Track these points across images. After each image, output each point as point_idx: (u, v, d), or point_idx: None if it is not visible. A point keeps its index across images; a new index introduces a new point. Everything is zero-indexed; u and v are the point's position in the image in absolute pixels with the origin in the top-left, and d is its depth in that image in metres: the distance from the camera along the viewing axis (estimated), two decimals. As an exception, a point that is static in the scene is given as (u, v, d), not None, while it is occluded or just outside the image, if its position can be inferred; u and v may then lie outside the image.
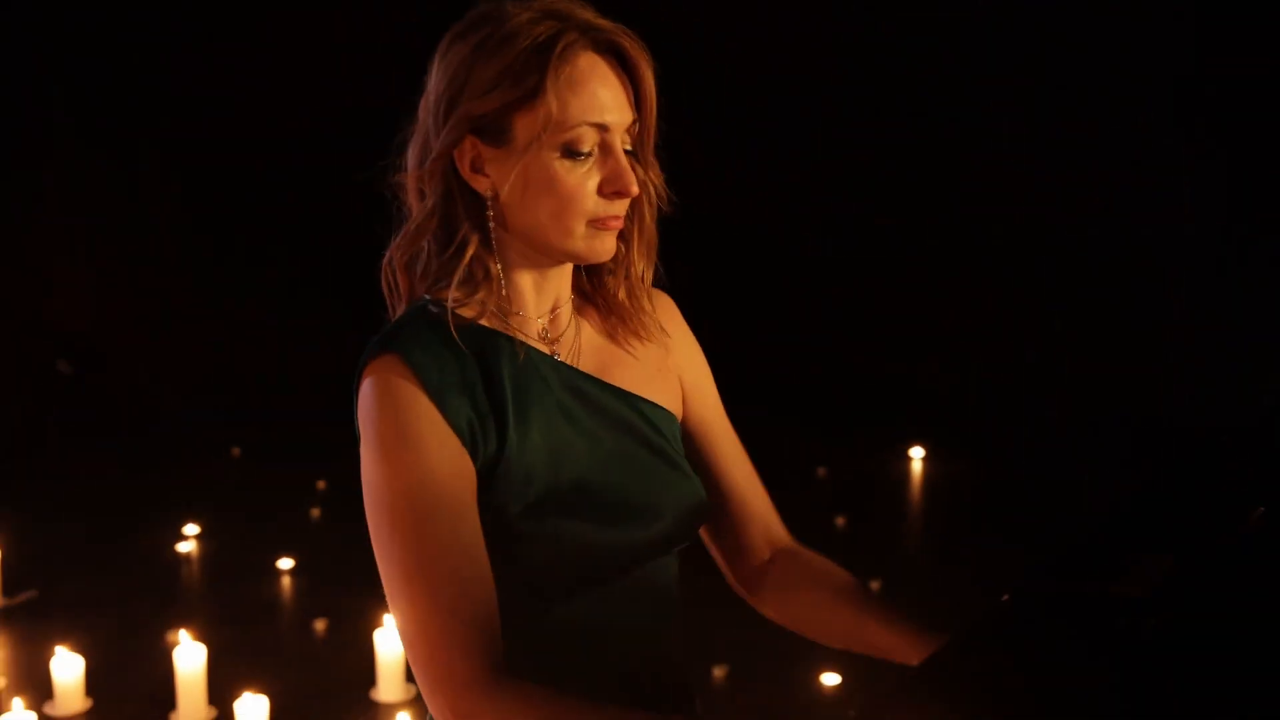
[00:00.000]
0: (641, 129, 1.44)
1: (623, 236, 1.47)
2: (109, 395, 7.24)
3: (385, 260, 1.47)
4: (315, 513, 5.42)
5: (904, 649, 1.45)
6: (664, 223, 1.55)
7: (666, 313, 1.61)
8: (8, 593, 4.34)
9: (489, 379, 1.39)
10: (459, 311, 1.39)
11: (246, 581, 4.64)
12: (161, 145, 7.70)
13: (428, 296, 1.42)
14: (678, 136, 1.52)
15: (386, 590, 1.34)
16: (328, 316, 7.83)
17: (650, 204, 1.49)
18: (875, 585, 4.25)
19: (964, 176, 7.10)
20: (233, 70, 7.47)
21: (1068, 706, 0.94)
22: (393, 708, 3.61)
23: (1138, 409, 6.37)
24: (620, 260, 1.50)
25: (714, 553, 1.67)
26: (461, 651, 1.27)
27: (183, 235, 7.91)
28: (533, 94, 1.33)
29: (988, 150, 6.96)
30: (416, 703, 3.65)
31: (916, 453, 6.25)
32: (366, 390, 1.36)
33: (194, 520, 5.08)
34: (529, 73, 1.32)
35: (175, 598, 4.53)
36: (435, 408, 1.34)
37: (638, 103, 1.42)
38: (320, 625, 4.22)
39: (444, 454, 1.33)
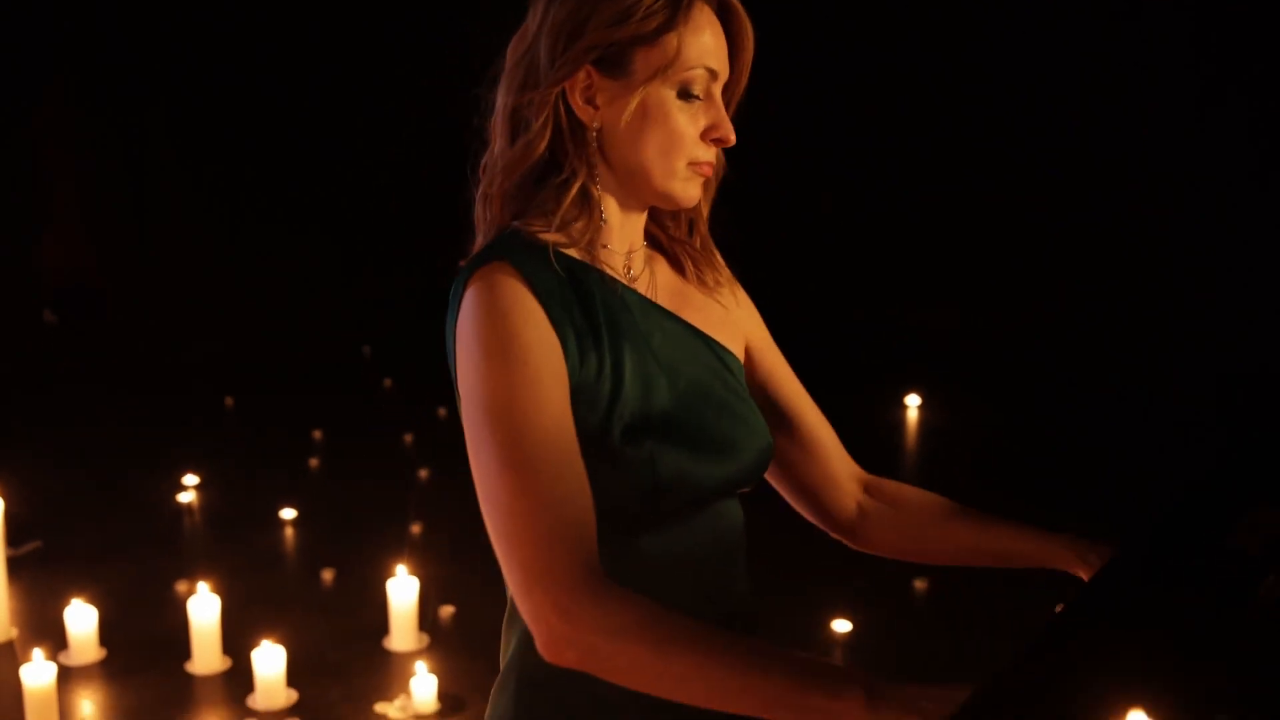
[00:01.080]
0: (732, 88, 1.48)
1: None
2: (102, 344, 7.19)
3: (484, 187, 1.48)
4: (314, 463, 5.40)
5: (1047, 554, 1.51)
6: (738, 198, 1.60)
7: (732, 280, 1.65)
8: (12, 543, 4.31)
9: (584, 303, 1.40)
10: (550, 238, 1.41)
11: (250, 532, 4.63)
12: (159, 95, 7.64)
13: (516, 224, 1.43)
14: None
15: (482, 493, 1.31)
16: (322, 268, 7.82)
17: (718, 168, 1.53)
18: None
19: (961, 124, 7.09)
20: (229, 15, 7.40)
21: (1195, 657, 0.95)
22: (407, 657, 3.63)
23: (1133, 356, 6.41)
24: (694, 214, 1.56)
25: (801, 502, 1.67)
26: (566, 548, 1.26)
27: (178, 186, 7.86)
28: (660, 31, 1.38)
29: (986, 97, 6.94)
30: (429, 652, 3.66)
31: (912, 400, 6.28)
32: (472, 295, 1.36)
33: (193, 470, 5.06)
34: (659, 12, 1.38)
35: (180, 548, 4.52)
36: (542, 311, 1.35)
37: (733, 61, 1.46)
38: (328, 575, 4.22)
39: (549, 359, 1.34)
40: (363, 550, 4.36)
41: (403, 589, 3.72)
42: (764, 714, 1.23)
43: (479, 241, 1.49)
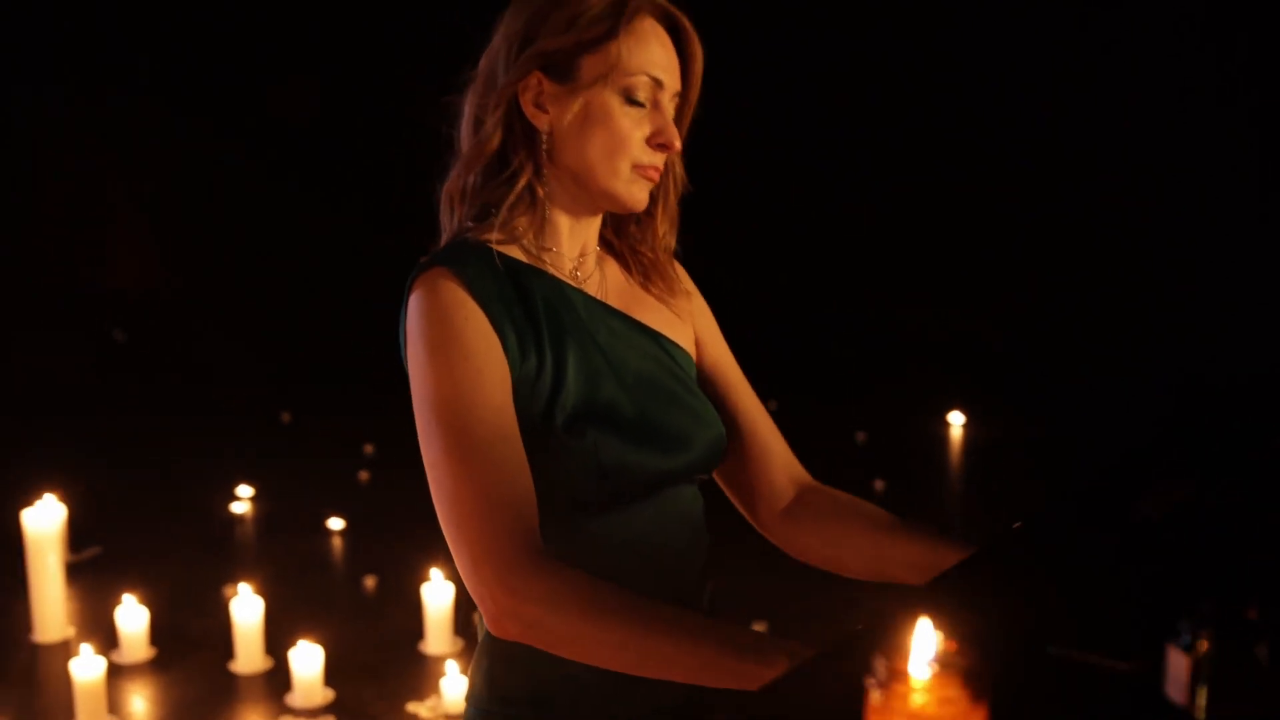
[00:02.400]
0: (683, 103, 1.57)
1: (650, 208, 1.61)
2: (165, 362, 7.44)
3: (444, 188, 1.59)
4: (364, 476, 5.56)
5: (940, 567, 1.48)
6: (707, 193, 1.68)
7: (688, 286, 1.74)
8: (74, 549, 4.51)
9: (526, 303, 1.49)
10: (499, 245, 1.51)
11: (298, 540, 4.80)
12: (224, 116, 7.85)
13: (470, 224, 1.54)
14: (722, 111, 1.63)
15: (432, 482, 1.42)
16: (378, 286, 8.00)
17: (675, 182, 1.63)
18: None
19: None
20: (290, 34, 7.59)
21: (1076, 614, 1.03)
22: (441, 659, 3.75)
23: (1179, 372, 6.40)
24: (647, 226, 1.65)
25: (735, 497, 1.74)
26: (506, 531, 1.36)
27: (240, 208, 8.09)
28: (604, 38, 1.47)
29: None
30: (463, 655, 3.78)
31: (956, 418, 6.31)
32: (416, 300, 1.46)
33: (247, 482, 5.24)
34: (603, 20, 1.47)
35: (231, 555, 4.69)
36: (481, 312, 1.44)
37: (684, 78, 1.54)
38: (370, 581, 4.36)
39: (489, 355, 1.43)
40: (406, 559, 4.49)
41: (438, 593, 3.84)
42: (694, 680, 1.33)
43: (443, 239, 1.61)
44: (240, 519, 5.05)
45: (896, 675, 0.78)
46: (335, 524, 4.88)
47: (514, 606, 1.36)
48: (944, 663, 0.77)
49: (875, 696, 0.78)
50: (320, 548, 4.75)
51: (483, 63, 1.57)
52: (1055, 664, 0.93)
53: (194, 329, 7.81)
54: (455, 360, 1.42)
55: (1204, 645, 0.81)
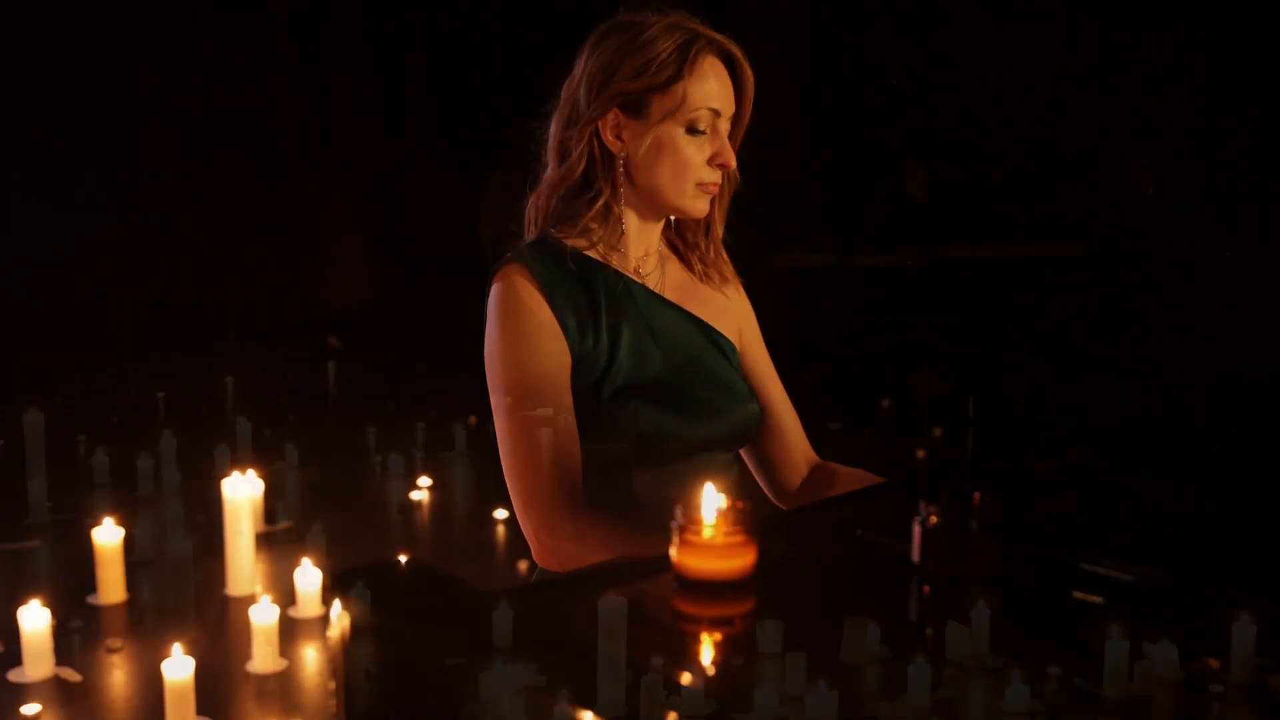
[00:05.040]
0: (738, 121, 1.90)
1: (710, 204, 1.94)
2: (372, 366, 8.09)
3: (530, 200, 1.96)
4: (534, 475, 5.98)
5: None
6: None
7: (736, 280, 2.06)
8: (268, 522, 5.06)
9: (589, 293, 1.85)
10: (573, 243, 1.87)
11: (464, 527, 5.26)
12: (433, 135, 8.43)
13: (552, 230, 1.90)
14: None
15: (499, 441, 1.79)
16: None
17: (730, 182, 1.96)
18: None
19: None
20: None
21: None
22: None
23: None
24: (705, 221, 1.98)
25: (755, 468, 2.06)
26: (550, 484, 1.72)
27: (444, 224, 8.66)
28: (670, 81, 1.81)
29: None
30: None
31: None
32: (495, 290, 1.84)
33: (428, 474, 5.74)
34: (669, 66, 1.80)
35: (404, 535, 5.18)
36: (546, 303, 1.80)
37: (738, 101, 1.88)
38: (524, 565, 4.76)
39: (549, 339, 1.79)
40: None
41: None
42: None
43: (527, 236, 1.97)
44: (417, 505, 5.54)
45: (691, 519, 1.08)
46: (500, 514, 5.30)
47: (552, 543, 1.72)
48: (725, 511, 1.07)
49: (674, 534, 1.08)
50: (484, 534, 5.19)
51: (564, 92, 1.93)
52: (861, 544, 1.21)
53: (399, 340, 8.45)
54: (520, 342, 1.79)
55: (933, 520, 1.08)
